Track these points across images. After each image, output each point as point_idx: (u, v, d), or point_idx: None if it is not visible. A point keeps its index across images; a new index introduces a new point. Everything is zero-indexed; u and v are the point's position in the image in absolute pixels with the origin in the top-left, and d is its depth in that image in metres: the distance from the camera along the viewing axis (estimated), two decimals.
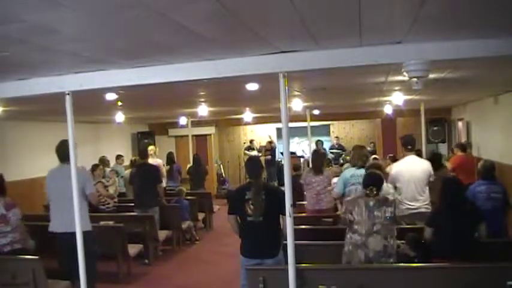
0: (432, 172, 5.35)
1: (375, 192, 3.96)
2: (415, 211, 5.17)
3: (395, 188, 5.31)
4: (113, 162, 10.04)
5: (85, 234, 3.97)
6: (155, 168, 7.64)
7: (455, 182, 4.24)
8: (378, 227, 3.81)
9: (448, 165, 7.45)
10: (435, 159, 5.86)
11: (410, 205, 5.20)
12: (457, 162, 7.33)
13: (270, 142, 14.10)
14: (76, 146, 4.53)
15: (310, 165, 7.25)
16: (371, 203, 3.89)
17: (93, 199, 4.92)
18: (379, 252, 3.78)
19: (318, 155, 7.05)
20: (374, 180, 4.06)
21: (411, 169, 5.32)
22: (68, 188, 4.18)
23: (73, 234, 3.89)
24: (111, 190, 7.51)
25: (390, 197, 4.31)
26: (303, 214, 6.33)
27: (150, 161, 8.62)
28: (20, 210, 4.71)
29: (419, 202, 5.19)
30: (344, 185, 5.41)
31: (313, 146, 11.17)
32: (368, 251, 3.80)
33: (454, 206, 4.04)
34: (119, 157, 10.17)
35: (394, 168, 5.53)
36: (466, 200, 4.35)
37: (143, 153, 7.80)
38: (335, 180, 6.25)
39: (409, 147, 5.60)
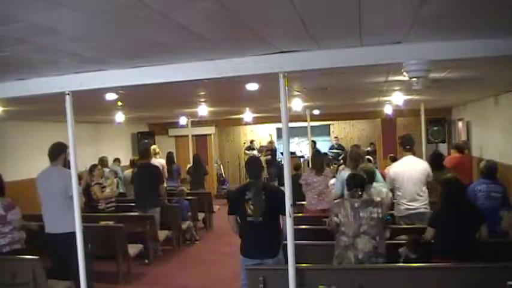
0: (431, 172, 5.33)
1: (359, 193, 3.97)
2: (414, 211, 5.17)
3: (391, 189, 5.32)
4: (111, 163, 10.10)
5: (71, 235, 3.89)
6: (157, 169, 7.63)
7: (456, 181, 4.23)
8: (365, 228, 3.82)
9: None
10: (436, 160, 5.81)
11: (409, 205, 5.20)
12: (452, 163, 7.32)
13: (271, 142, 14.10)
14: (66, 148, 4.60)
15: (310, 166, 7.29)
16: (356, 204, 3.91)
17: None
18: (368, 253, 3.79)
19: (318, 155, 7.12)
20: (357, 181, 4.07)
21: (409, 169, 5.31)
22: (52, 189, 4.19)
23: (56, 235, 3.88)
24: (107, 190, 7.46)
25: (378, 199, 4.30)
26: (301, 214, 6.33)
27: (154, 160, 8.63)
28: (19, 210, 4.71)
29: (418, 202, 5.19)
30: (342, 186, 5.41)
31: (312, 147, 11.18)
32: (357, 252, 3.80)
33: (454, 206, 4.04)
34: (115, 160, 10.39)
35: (392, 169, 5.52)
36: (467, 200, 4.34)
37: (145, 153, 7.78)
38: (332, 181, 6.26)
39: (408, 147, 5.58)
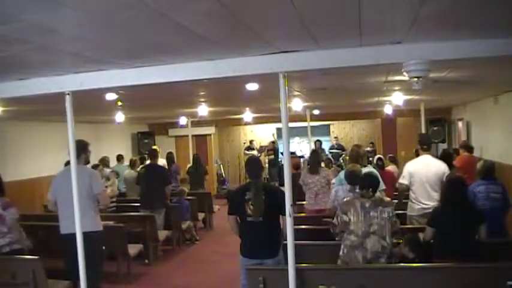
0: (447, 173, 5.28)
1: (371, 193, 3.96)
2: (428, 210, 5.12)
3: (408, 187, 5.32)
4: (113, 162, 10.07)
5: (95, 233, 3.91)
6: (164, 170, 7.62)
7: (458, 181, 4.21)
8: (375, 228, 3.80)
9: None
10: (446, 160, 5.75)
11: (425, 204, 5.16)
12: (462, 162, 7.24)
13: (273, 142, 14.06)
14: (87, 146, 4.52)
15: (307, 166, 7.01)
16: (367, 204, 3.89)
17: (102, 199, 4.80)
18: (377, 253, 3.77)
19: (314, 154, 6.87)
20: (370, 181, 4.06)
21: (426, 169, 5.25)
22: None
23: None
24: (108, 190, 7.45)
25: (388, 198, 4.28)
26: (302, 214, 6.30)
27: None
28: (16, 210, 4.67)
29: (432, 201, 5.14)
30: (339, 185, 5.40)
31: (313, 146, 11.18)
32: (366, 252, 3.78)
33: (454, 205, 4.03)
34: (120, 159, 10.33)
35: (409, 167, 5.48)
36: (467, 200, 4.34)
37: (153, 154, 7.78)
38: (333, 181, 6.25)
39: (425, 146, 5.55)
